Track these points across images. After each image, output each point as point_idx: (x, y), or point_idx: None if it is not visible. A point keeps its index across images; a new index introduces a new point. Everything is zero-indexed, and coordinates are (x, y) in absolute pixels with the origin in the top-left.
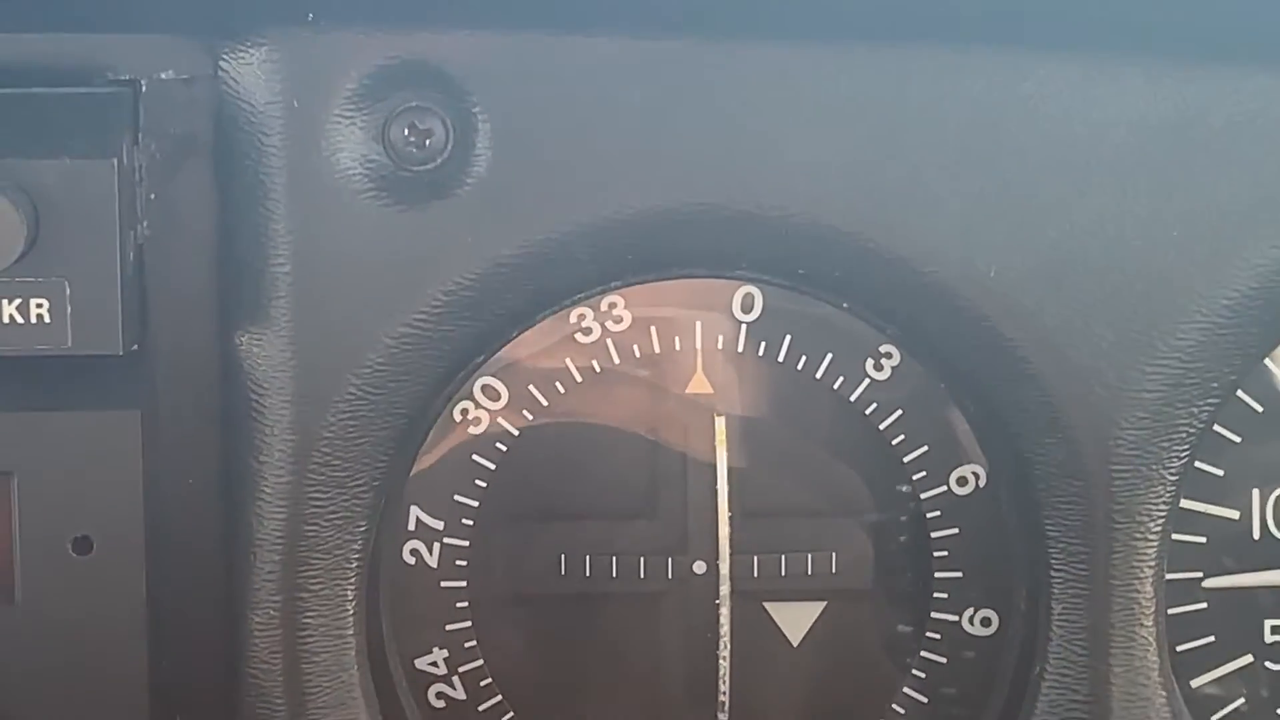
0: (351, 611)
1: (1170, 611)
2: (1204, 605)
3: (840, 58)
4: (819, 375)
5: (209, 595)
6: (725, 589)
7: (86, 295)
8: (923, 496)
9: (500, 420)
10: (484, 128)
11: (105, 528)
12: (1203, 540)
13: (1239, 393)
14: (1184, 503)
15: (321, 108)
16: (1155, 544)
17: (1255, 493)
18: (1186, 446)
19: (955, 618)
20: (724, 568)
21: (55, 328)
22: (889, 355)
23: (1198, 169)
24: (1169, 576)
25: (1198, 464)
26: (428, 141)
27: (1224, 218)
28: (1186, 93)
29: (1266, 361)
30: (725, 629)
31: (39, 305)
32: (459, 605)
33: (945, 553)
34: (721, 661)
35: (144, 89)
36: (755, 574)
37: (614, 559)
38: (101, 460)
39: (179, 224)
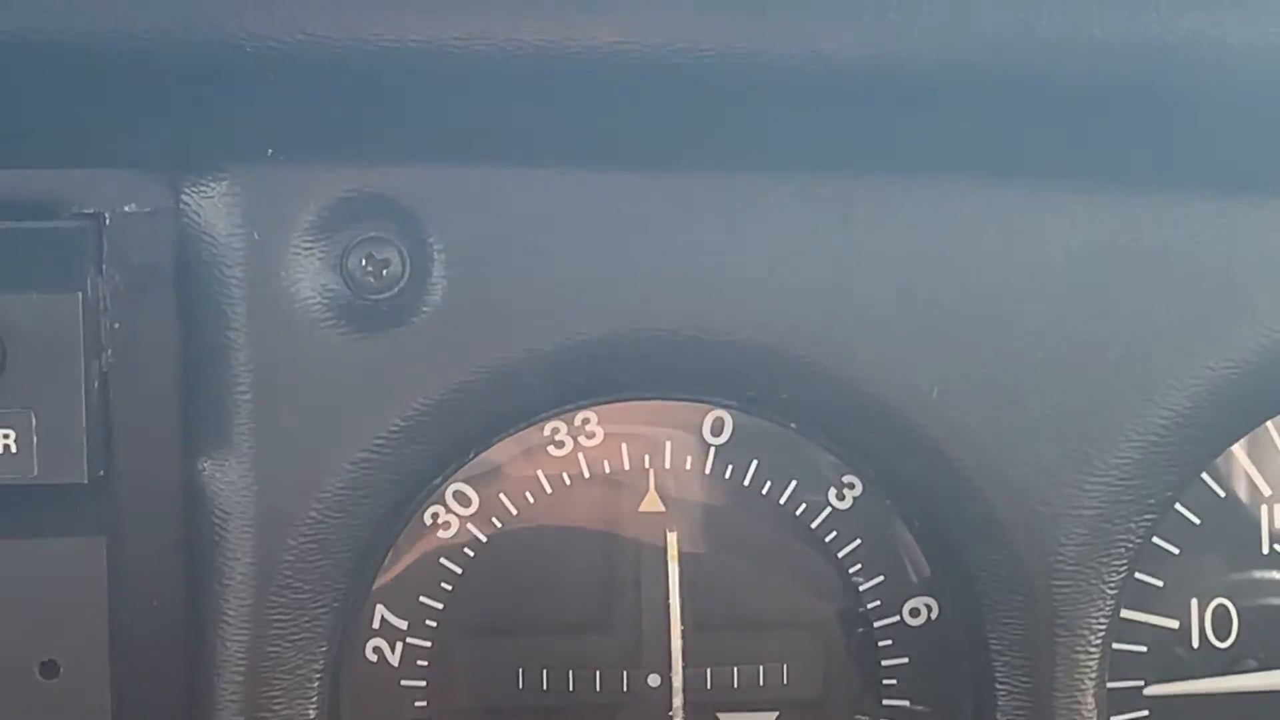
0: None
1: None
2: (1145, 713)
3: (786, 187)
4: (782, 501)
5: (174, 717)
6: (678, 701)
7: (52, 425)
8: (876, 625)
9: (469, 526)
10: (439, 257)
11: (71, 652)
12: (1143, 649)
13: (1177, 506)
14: (1125, 613)
15: (281, 239)
16: (1096, 655)
17: (1194, 602)
18: (1125, 560)
19: None
20: (676, 680)
21: (22, 457)
22: (851, 485)
23: (1133, 292)
24: (1111, 685)
25: (1138, 575)
26: (385, 271)
27: (1159, 339)
28: (1122, 218)
29: (1203, 475)
30: None
31: (6, 436)
32: (417, 704)
33: (894, 681)
34: None
35: (108, 222)
36: (709, 685)
37: (570, 672)
38: (68, 586)
39: (143, 353)
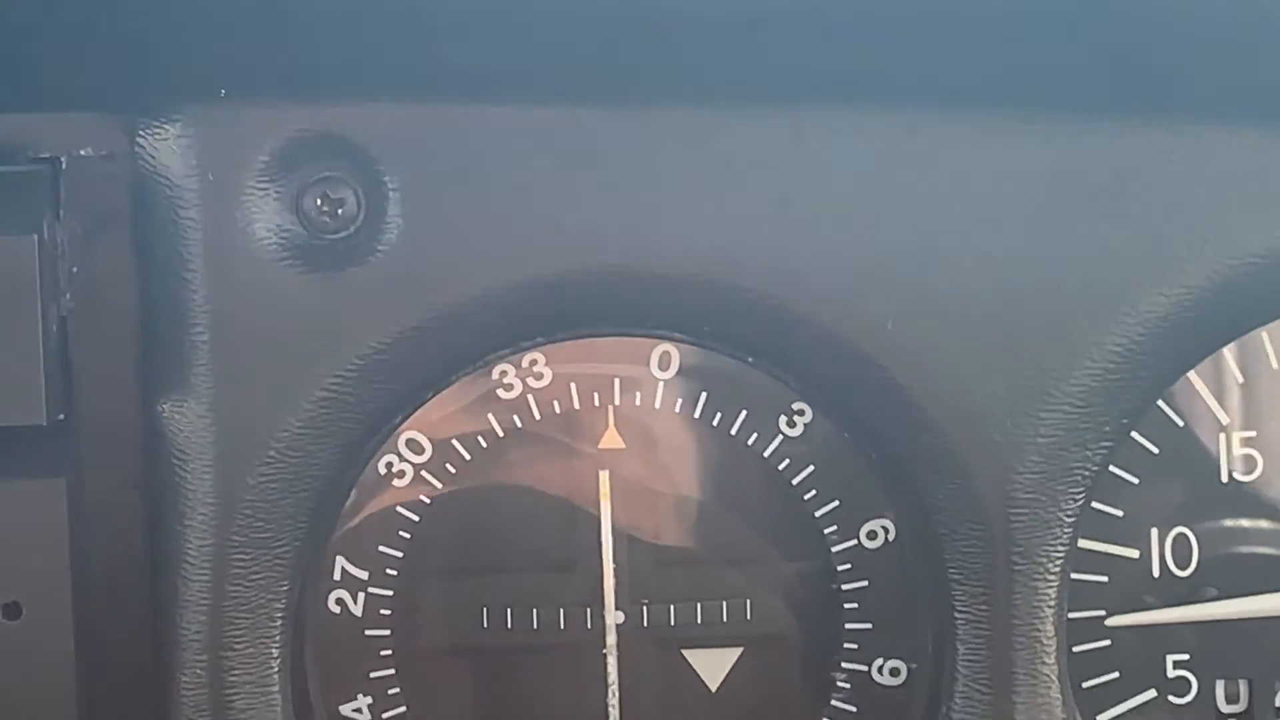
0: (276, 669)
1: (1075, 649)
2: (1108, 643)
3: (737, 120)
4: (734, 431)
5: (137, 657)
6: (611, 639)
7: (11, 367)
8: (834, 550)
9: (424, 473)
10: (394, 196)
11: (34, 593)
12: (1104, 579)
13: (1135, 435)
14: (1086, 543)
15: (236, 180)
16: (1055, 584)
17: (1154, 532)
18: (1082, 489)
19: (865, 668)
20: (609, 618)
21: None
22: (801, 412)
23: (1086, 220)
24: (1072, 615)
25: (1098, 505)
26: (340, 210)
27: (1112, 268)
28: (1074, 146)
29: (1161, 403)
30: (613, 677)
31: None
32: (383, 653)
33: (855, 605)
34: (611, 710)
35: (64, 166)
36: (672, 622)
37: (535, 611)
38: (29, 528)
39: (101, 296)
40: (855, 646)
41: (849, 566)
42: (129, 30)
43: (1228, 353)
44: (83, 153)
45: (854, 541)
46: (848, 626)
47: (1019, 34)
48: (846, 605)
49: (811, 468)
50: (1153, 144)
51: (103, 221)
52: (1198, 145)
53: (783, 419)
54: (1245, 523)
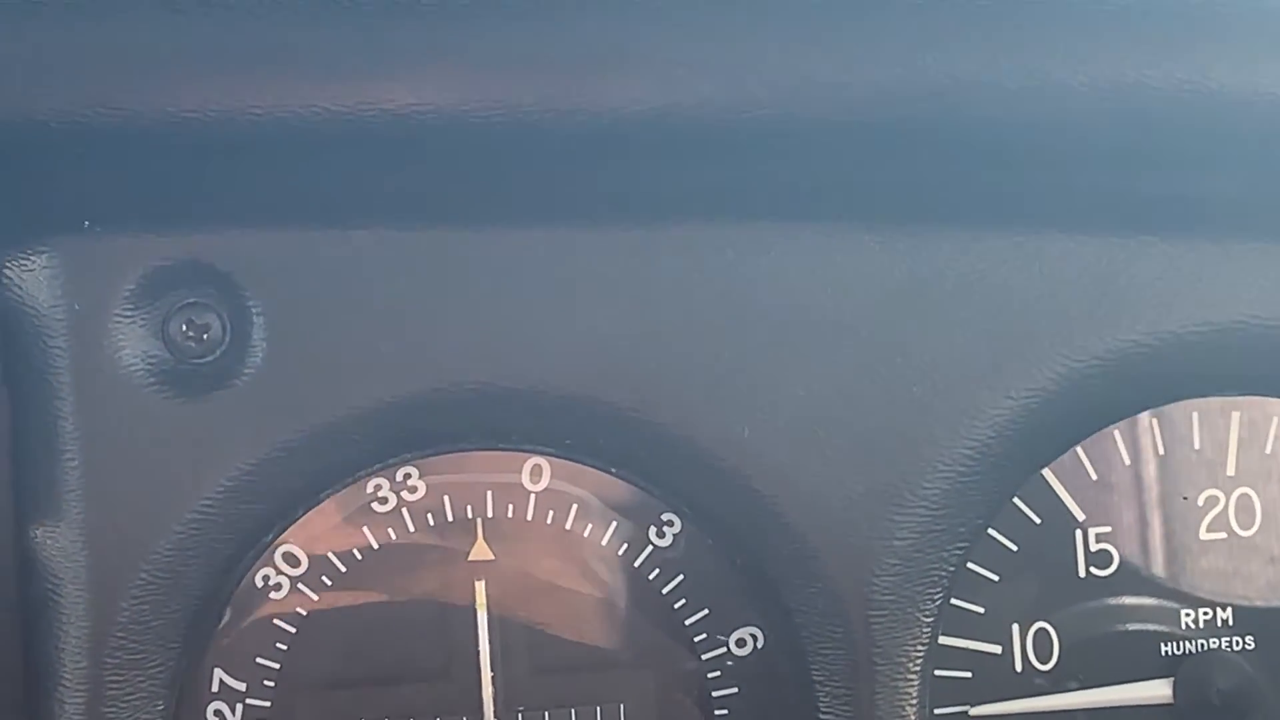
0: None
1: None
2: None
3: (594, 237)
4: (604, 542)
5: None
6: None
7: None
8: (704, 657)
9: (300, 586)
10: (258, 320)
11: None
12: (968, 675)
13: (993, 533)
14: (948, 640)
15: (102, 308)
16: (916, 682)
17: (1015, 627)
18: (940, 589)
19: None
20: None
21: None
22: (670, 523)
23: (933, 328)
24: (938, 711)
25: (958, 602)
26: (205, 335)
27: (960, 373)
28: (919, 256)
29: (1016, 500)
30: None
31: None
32: None
33: (725, 711)
34: None
35: None
36: None
37: None
38: None
39: None
40: None
41: (718, 674)
42: None
43: (1081, 451)
44: None
45: (723, 649)
46: None
47: (857, 150)
48: (717, 712)
49: (681, 577)
50: (995, 253)
51: None
52: (1038, 253)
53: (652, 530)
54: (1104, 616)
